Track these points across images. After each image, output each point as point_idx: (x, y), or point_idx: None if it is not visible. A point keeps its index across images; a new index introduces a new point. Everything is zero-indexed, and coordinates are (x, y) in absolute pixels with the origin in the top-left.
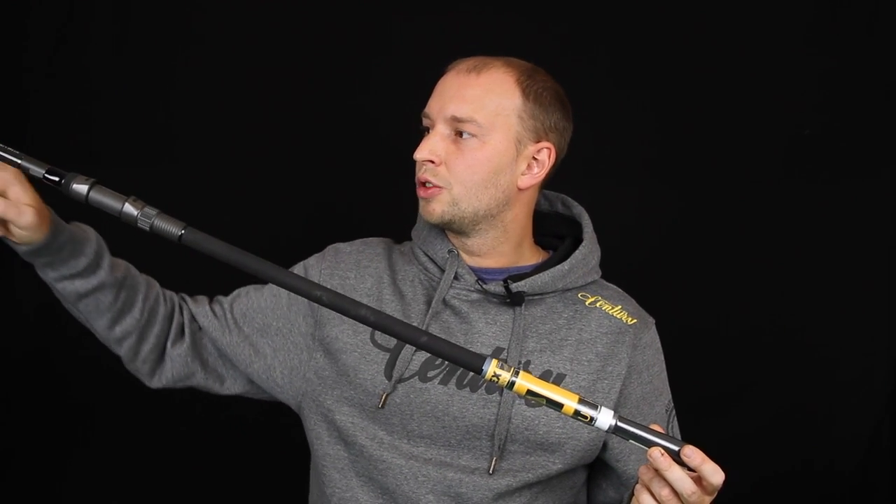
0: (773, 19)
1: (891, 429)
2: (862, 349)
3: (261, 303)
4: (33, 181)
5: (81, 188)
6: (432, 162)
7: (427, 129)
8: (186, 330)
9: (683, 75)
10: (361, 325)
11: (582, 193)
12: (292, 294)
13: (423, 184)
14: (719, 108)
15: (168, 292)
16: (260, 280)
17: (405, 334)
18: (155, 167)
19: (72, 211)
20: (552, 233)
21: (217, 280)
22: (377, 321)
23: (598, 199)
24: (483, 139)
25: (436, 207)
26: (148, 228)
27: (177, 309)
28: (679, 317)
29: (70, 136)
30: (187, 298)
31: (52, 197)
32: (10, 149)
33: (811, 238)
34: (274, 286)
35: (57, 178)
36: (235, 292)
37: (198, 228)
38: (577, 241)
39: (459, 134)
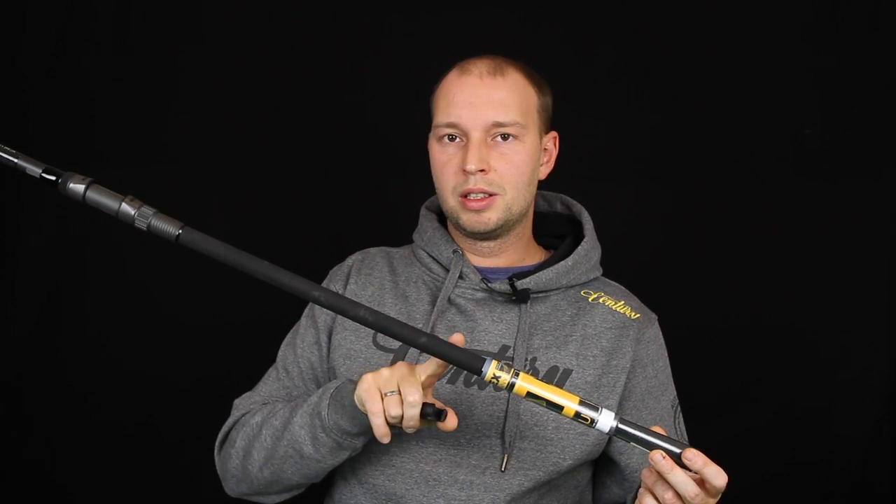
0: (772, 19)
1: (891, 428)
2: (862, 349)
3: (300, 365)
4: (31, 179)
5: (78, 188)
6: (483, 171)
7: (451, 138)
8: None
9: (683, 75)
10: (363, 331)
11: (582, 194)
12: (307, 332)
13: (467, 195)
14: (720, 108)
15: None
16: (258, 280)
17: (404, 335)
18: (153, 167)
19: (70, 210)
20: (552, 233)
21: (214, 280)
22: (376, 322)
23: (599, 200)
24: (522, 139)
25: (491, 216)
26: (145, 228)
27: None
28: (679, 317)
29: (69, 136)
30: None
31: (51, 197)
32: (7, 148)
33: (811, 237)
34: (292, 355)
35: (53, 178)
36: (273, 375)
37: (195, 228)
38: (578, 239)
39: (503, 137)
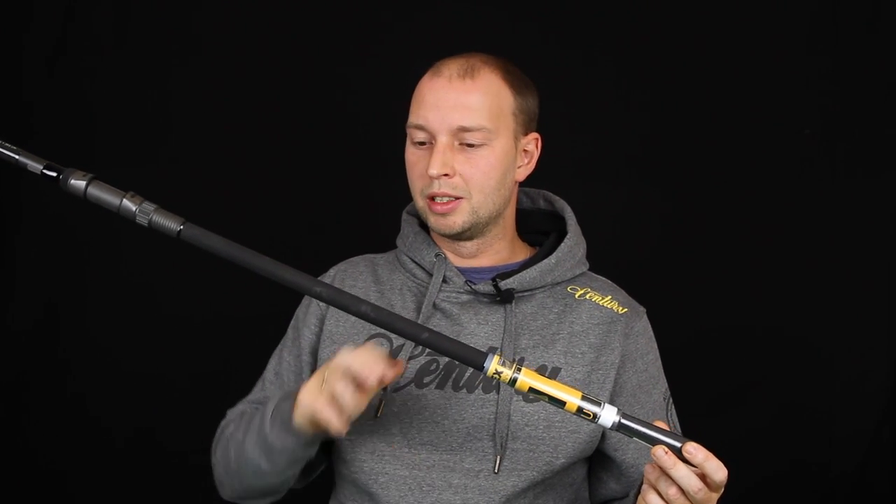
0: (773, 19)
1: (891, 429)
2: (862, 349)
3: (288, 379)
4: (30, 180)
5: (79, 183)
6: (446, 175)
7: (422, 142)
8: None
9: (682, 75)
10: (352, 343)
11: (575, 195)
12: (294, 347)
13: (433, 198)
14: (720, 108)
15: None
16: (258, 276)
17: (407, 331)
18: (153, 167)
19: (70, 210)
20: (536, 230)
21: (215, 276)
22: (378, 317)
23: (593, 201)
24: (491, 144)
25: (457, 220)
26: (146, 223)
27: None
28: (677, 318)
29: (70, 136)
30: None
31: (52, 193)
32: (8, 145)
33: (811, 238)
34: (278, 367)
35: (55, 174)
36: (259, 385)
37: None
38: (562, 235)
39: (467, 142)
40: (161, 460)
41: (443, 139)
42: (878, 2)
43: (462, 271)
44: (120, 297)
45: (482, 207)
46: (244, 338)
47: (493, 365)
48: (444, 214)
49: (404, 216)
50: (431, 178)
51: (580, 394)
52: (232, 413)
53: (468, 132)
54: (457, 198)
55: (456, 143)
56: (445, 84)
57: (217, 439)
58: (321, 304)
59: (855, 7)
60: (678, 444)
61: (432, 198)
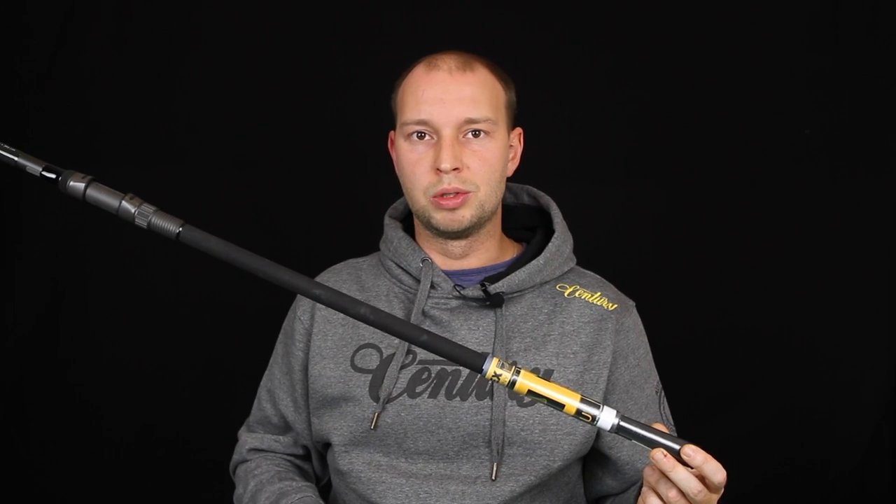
0: (773, 19)
1: (891, 429)
2: (862, 349)
3: (280, 397)
4: (31, 179)
5: (78, 185)
6: (456, 169)
7: (420, 136)
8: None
9: (681, 75)
10: (341, 355)
11: (570, 194)
12: (283, 363)
13: (442, 194)
14: (719, 108)
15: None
16: (259, 279)
17: (405, 333)
18: (152, 167)
19: (70, 207)
20: (521, 225)
21: (214, 278)
22: (377, 320)
23: (589, 199)
24: (494, 135)
25: (465, 214)
26: (145, 225)
27: (313, 474)
28: (676, 318)
29: (69, 135)
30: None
31: (51, 196)
32: (6, 146)
33: (811, 238)
34: (269, 383)
35: (54, 176)
36: (256, 405)
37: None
38: (548, 230)
39: (474, 134)
40: (162, 455)
41: (449, 133)
42: (878, 2)
43: (450, 274)
44: (121, 294)
45: (487, 201)
46: (244, 334)
47: (492, 367)
48: (453, 210)
49: (386, 220)
50: (441, 174)
51: (579, 396)
52: (244, 442)
53: (474, 124)
54: (465, 192)
55: (460, 136)
56: (446, 77)
57: (235, 475)
58: (305, 320)
59: (855, 8)
60: (676, 447)
61: (440, 195)
